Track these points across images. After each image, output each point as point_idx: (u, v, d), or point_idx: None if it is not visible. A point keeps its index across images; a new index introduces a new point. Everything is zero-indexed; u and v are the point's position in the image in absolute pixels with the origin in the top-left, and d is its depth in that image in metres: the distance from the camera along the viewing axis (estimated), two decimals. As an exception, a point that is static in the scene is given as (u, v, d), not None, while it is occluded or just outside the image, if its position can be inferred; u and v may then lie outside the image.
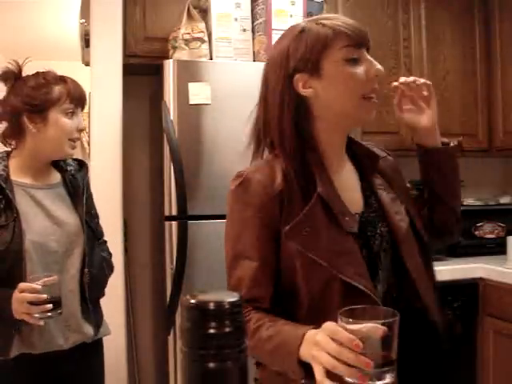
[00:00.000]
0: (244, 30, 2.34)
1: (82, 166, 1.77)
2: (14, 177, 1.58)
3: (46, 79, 1.69)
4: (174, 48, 2.29)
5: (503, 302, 2.44)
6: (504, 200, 3.03)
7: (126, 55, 2.41)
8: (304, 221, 1.03)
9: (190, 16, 2.31)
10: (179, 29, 2.28)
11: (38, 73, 1.71)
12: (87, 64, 2.45)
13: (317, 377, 0.85)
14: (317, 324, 0.91)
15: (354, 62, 1.07)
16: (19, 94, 1.63)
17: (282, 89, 1.09)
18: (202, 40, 2.28)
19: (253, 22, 2.36)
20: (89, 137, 2.48)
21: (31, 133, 1.60)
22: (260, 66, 2.37)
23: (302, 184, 1.07)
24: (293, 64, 1.07)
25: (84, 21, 2.51)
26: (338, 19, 1.09)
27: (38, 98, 1.62)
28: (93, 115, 2.38)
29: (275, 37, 2.30)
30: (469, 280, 2.56)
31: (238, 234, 1.08)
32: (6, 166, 1.59)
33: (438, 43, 2.86)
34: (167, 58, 2.25)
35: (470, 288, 2.55)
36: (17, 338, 1.50)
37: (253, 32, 2.36)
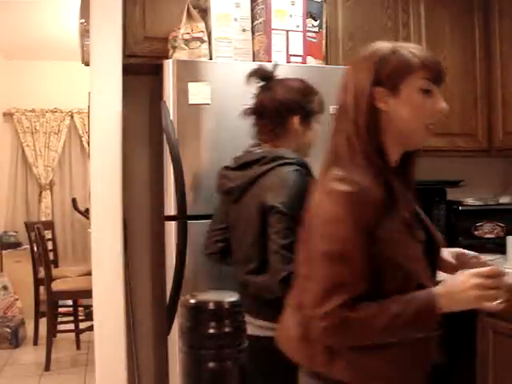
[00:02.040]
0: (244, 30, 2.34)
1: None
2: None
3: (310, 87, 1.80)
4: (174, 48, 2.29)
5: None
6: (504, 200, 3.03)
7: (126, 55, 2.40)
8: (394, 230, 1.17)
9: (189, 16, 2.31)
10: (179, 29, 2.28)
11: (299, 79, 1.81)
12: (87, 64, 2.45)
13: (490, 308, 1.14)
14: None
15: (427, 93, 1.23)
16: (289, 95, 1.73)
17: (362, 94, 1.22)
18: (201, 40, 2.28)
19: (252, 22, 2.36)
20: (88, 137, 2.48)
21: (295, 133, 1.73)
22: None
23: (387, 194, 1.19)
24: (378, 77, 1.22)
25: (84, 21, 2.51)
26: (427, 53, 1.26)
27: (307, 103, 1.75)
28: (93, 115, 2.37)
29: (275, 37, 2.30)
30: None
31: (342, 235, 1.14)
32: None
33: (437, 43, 2.86)
34: (167, 57, 2.25)
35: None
36: None
37: (252, 32, 2.36)
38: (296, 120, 1.73)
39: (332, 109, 2.26)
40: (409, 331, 1.17)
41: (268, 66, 1.81)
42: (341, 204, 1.14)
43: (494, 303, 1.13)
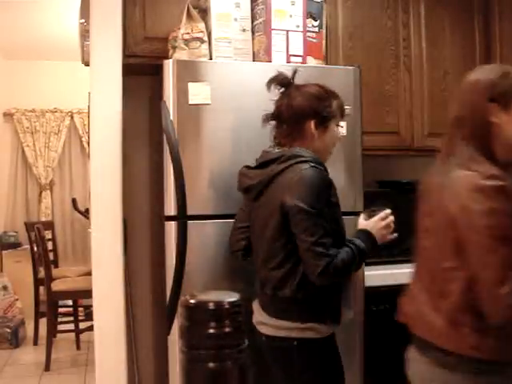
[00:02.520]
0: (244, 30, 2.34)
1: None
2: None
3: (328, 92, 1.85)
4: (174, 48, 2.29)
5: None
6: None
7: (126, 55, 2.40)
8: None
9: (189, 16, 2.31)
10: (179, 29, 2.28)
11: (317, 84, 1.87)
12: (87, 64, 2.45)
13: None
14: None
15: None
16: (304, 101, 1.82)
17: (478, 108, 1.46)
18: (201, 40, 2.28)
19: (252, 22, 2.36)
20: (88, 137, 2.48)
21: (312, 137, 1.81)
22: (260, 66, 2.36)
23: None
24: (492, 95, 1.45)
25: (84, 21, 2.51)
26: None
27: (323, 108, 1.81)
28: (93, 115, 2.37)
29: (275, 37, 2.30)
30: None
31: (504, 224, 1.32)
32: None
33: (437, 43, 2.86)
34: (167, 58, 2.25)
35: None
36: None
37: (252, 32, 2.36)
38: (312, 125, 1.80)
39: (332, 109, 2.26)
40: None
41: (287, 72, 1.89)
42: (495, 197, 1.33)
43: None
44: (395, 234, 1.90)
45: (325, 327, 1.75)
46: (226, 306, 0.51)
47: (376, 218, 1.89)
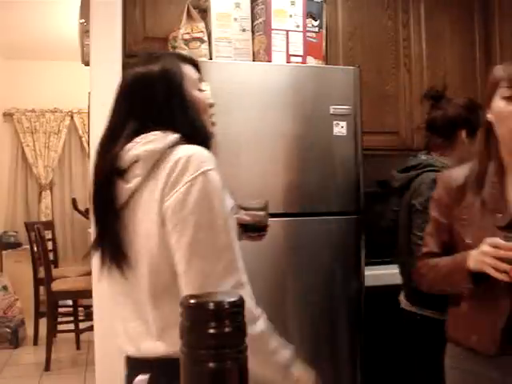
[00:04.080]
0: (244, 30, 2.34)
1: None
2: None
3: (475, 104, 2.06)
4: (174, 48, 2.29)
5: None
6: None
7: (126, 55, 2.40)
8: (464, 212, 1.43)
9: (189, 16, 2.31)
10: (179, 29, 2.28)
11: (467, 97, 2.12)
12: (87, 64, 2.45)
13: (489, 273, 1.26)
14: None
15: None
16: (455, 112, 2.04)
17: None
18: (201, 40, 2.28)
19: (252, 22, 2.36)
20: (88, 137, 2.48)
21: (462, 145, 2.01)
22: (259, 66, 2.37)
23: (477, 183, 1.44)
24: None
25: (84, 21, 2.51)
26: None
27: (472, 118, 2.01)
28: (93, 115, 2.37)
29: (275, 37, 2.30)
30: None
31: None
32: None
33: (437, 43, 2.86)
34: (167, 58, 2.25)
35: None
36: None
37: (252, 32, 2.36)
38: (463, 133, 2.01)
39: (332, 109, 2.26)
40: (445, 282, 1.46)
41: (437, 88, 2.13)
42: None
43: (499, 274, 1.25)
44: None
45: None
46: (226, 306, 0.51)
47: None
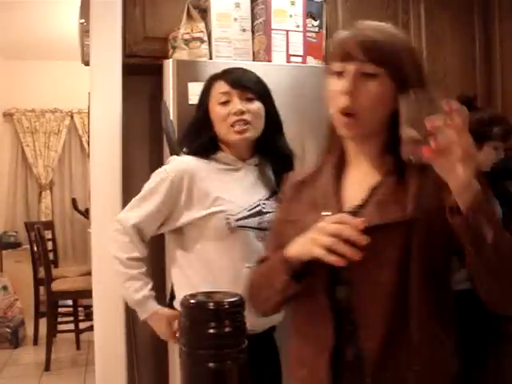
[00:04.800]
0: (244, 30, 2.34)
1: None
2: None
3: (497, 118, 2.20)
4: (174, 48, 2.29)
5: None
6: (504, 200, 3.03)
7: (126, 55, 2.40)
8: (294, 210, 1.20)
9: (189, 16, 2.31)
10: (179, 29, 2.28)
11: (494, 112, 2.25)
12: (87, 64, 2.45)
13: (318, 255, 0.99)
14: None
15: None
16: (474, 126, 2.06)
17: None
18: (201, 40, 2.28)
19: (252, 22, 2.36)
20: (88, 137, 2.48)
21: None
22: (259, 66, 2.36)
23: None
24: None
25: (84, 21, 2.51)
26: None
27: (485, 131, 2.10)
28: (93, 115, 2.37)
29: (275, 37, 2.30)
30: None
31: None
32: None
33: (437, 43, 2.86)
34: (167, 57, 2.25)
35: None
36: None
37: (252, 32, 2.36)
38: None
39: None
40: (263, 282, 1.19)
41: (468, 94, 2.18)
42: None
43: (323, 252, 0.98)
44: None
45: None
46: (226, 306, 0.51)
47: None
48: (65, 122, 6.24)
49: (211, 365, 0.49)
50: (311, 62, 2.36)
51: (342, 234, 0.96)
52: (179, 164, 1.66)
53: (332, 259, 0.97)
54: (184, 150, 1.73)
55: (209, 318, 0.50)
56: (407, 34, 2.80)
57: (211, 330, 0.49)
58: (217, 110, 1.65)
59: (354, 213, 1.09)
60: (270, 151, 1.71)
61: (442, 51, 2.86)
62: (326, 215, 1.05)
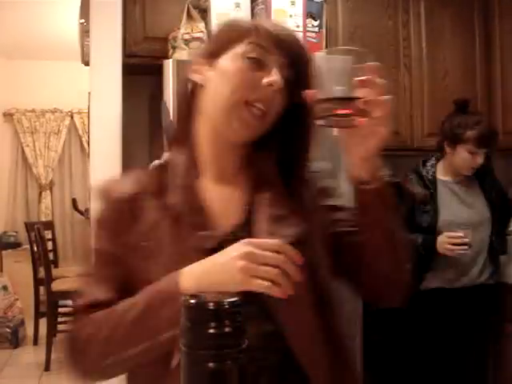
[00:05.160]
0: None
1: None
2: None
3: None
4: (174, 48, 2.29)
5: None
6: (504, 200, 3.02)
7: (126, 55, 2.41)
8: (143, 236, 0.91)
9: (189, 16, 2.31)
10: (179, 29, 2.28)
11: (481, 119, 2.34)
12: (87, 64, 2.45)
13: (259, 287, 0.78)
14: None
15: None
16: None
17: None
18: (201, 40, 2.28)
19: (253, 22, 2.36)
20: (88, 137, 2.48)
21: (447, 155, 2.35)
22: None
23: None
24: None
25: (84, 21, 2.51)
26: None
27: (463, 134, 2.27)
28: (92, 115, 2.38)
29: (275, 37, 2.31)
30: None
31: None
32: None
33: (437, 43, 2.86)
34: (167, 57, 2.25)
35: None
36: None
37: (253, 32, 2.36)
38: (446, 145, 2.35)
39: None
40: (135, 335, 0.85)
41: (465, 98, 2.39)
42: None
43: (265, 284, 0.78)
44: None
45: None
46: (226, 306, 0.51)
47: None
48: (65, 122, 6.24)
49: (211, 365, 0.49)
50: (311, 61, 2.36)
51: (281, 266, 0.79)
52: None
53: (276, 291, 0.78)
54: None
55: (209, 318, 0.50)
56: (407, 33, 2.81)
57: (211, 330, 0.49)
58: None
59: (236, 232, 0.91)
60: None
61: (442, 50, 2.86)
62: (209, 236, 0.88)
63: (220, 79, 0.96)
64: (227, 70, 0.95)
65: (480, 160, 2.28)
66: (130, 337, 0.85)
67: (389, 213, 0.94)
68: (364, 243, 0.94)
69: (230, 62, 0.95)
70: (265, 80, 0.92)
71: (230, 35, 0.97)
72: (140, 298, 0.86)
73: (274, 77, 0.92)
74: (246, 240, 0.82)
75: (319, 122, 0.86)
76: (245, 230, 0.92)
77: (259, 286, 0.78)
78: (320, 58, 0.88)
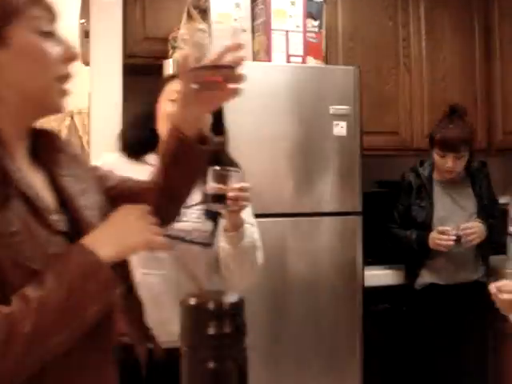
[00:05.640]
0: (243, 30, 2.34)
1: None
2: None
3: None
4: (174, 48, 2.29)
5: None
6: (503, 200, 3.02)
7: (126, 55, 2.41)
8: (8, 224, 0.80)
9: (189, 16, 2.31)
10: (179, 29, 2.28)
11: (468, 127, 2.44)
12: (87, 64, 2.45)
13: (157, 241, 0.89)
14: None
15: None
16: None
17: None
18: (201, 40, 2.28)
19: (252, 22, 2.36)
20: (88, 137, 2.48)
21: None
22: (259, 66, 2.37)
23: None
24: None
25: (84, 21, 2.51)
26: None
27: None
28: (93, 115, 2.38)
29: (275, 37, 2.30)
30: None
31: None
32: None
33: (437, 43, 2.86)
34: (167, 58, 2.26)
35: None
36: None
37: (252, 32, 2.36)
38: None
39: (332, 109, 2.27)
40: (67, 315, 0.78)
41: (459, 105, 2.42)
42: None
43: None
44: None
45: None
46: (226, 306, 0.51)
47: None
48: (65, 122, 6.24)
49: (211, 365, 0.49)
50: (311, 62, 2.36)
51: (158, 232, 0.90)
52: (100, 160, 1.55)
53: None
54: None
55: (209, 318, 0.50)
56: (407, 33, 2.81)
57: (211, 330, 0.49)
58: (164, 107, 1.57)
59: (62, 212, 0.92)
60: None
61: (441, 50, 2.86)
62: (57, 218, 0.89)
63: (23, 60, 0.92)
64: (31, 49, 0.92)
65: (449, 163, 2.31)
66: (58, 322, 0.77)
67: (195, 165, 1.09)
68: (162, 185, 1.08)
69: (26, 39, 0.90)
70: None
71: (6, 9, 0.88)
72: (55, 279, 0.78)
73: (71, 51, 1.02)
74: (125, 206, 0.92)
75: (194, 86, 1.03)
76: (66, 207, 0.94)
77: (160, 241, 0.90)
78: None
